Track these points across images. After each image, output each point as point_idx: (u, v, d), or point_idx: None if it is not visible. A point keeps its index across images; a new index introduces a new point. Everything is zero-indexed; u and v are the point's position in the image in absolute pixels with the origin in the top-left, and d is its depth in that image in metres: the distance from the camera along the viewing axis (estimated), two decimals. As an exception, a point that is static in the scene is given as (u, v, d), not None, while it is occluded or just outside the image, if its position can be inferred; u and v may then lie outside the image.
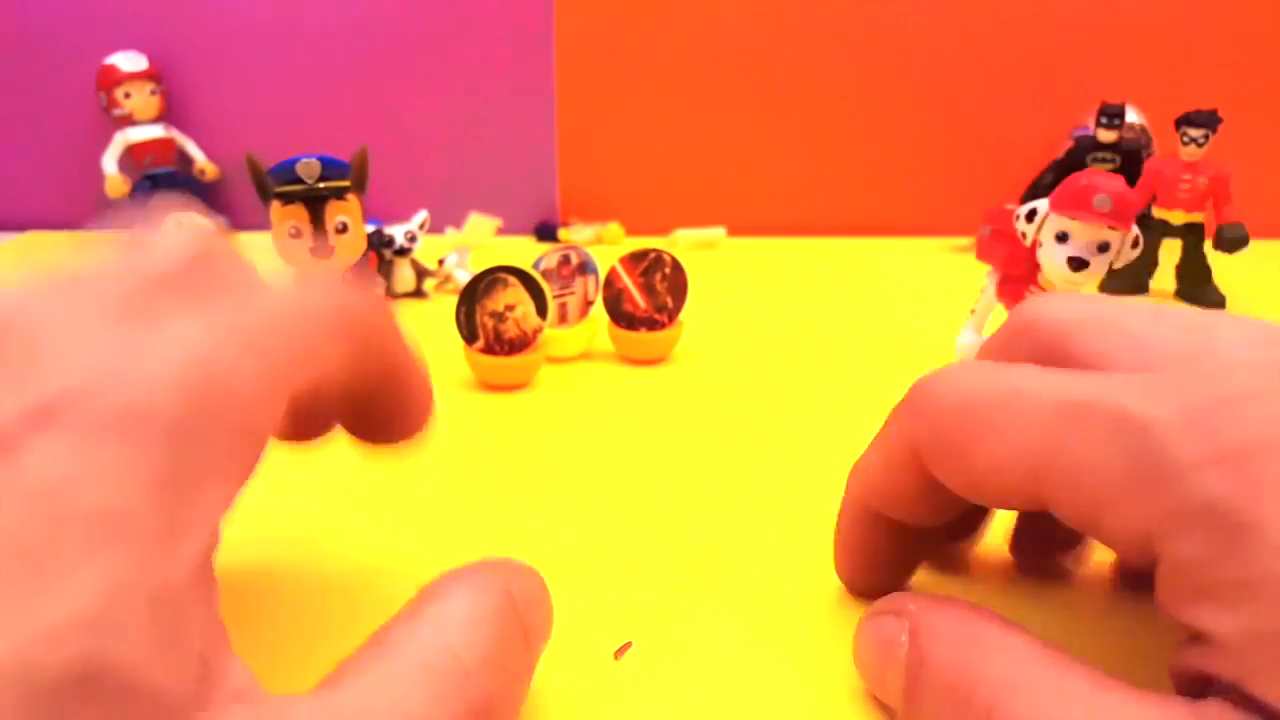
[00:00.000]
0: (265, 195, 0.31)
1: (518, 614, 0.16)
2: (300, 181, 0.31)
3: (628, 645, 0.20)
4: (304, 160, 0.31)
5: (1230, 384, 0.14)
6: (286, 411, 0.15)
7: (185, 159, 0.61)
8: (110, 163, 0.59)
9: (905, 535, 0.20)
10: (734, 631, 0.20)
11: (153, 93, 0.59)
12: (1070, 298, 0.18)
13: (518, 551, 0.23)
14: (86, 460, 0.12)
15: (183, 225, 0.16)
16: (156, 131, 0.60)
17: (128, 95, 0.58)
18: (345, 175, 0.31)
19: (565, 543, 0.24)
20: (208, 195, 0.62)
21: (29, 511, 0.11)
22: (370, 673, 0.13)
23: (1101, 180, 0.30)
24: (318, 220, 0.31)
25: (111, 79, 0.58)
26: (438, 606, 0.15)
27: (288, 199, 0.31)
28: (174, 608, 0.11)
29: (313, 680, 0.14)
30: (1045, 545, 0.22)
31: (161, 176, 0.60)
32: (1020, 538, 0.23)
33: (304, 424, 0.19)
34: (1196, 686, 0.14)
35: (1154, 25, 0.60)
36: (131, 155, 0.59)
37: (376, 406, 0.19)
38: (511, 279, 0.34)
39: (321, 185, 0.31)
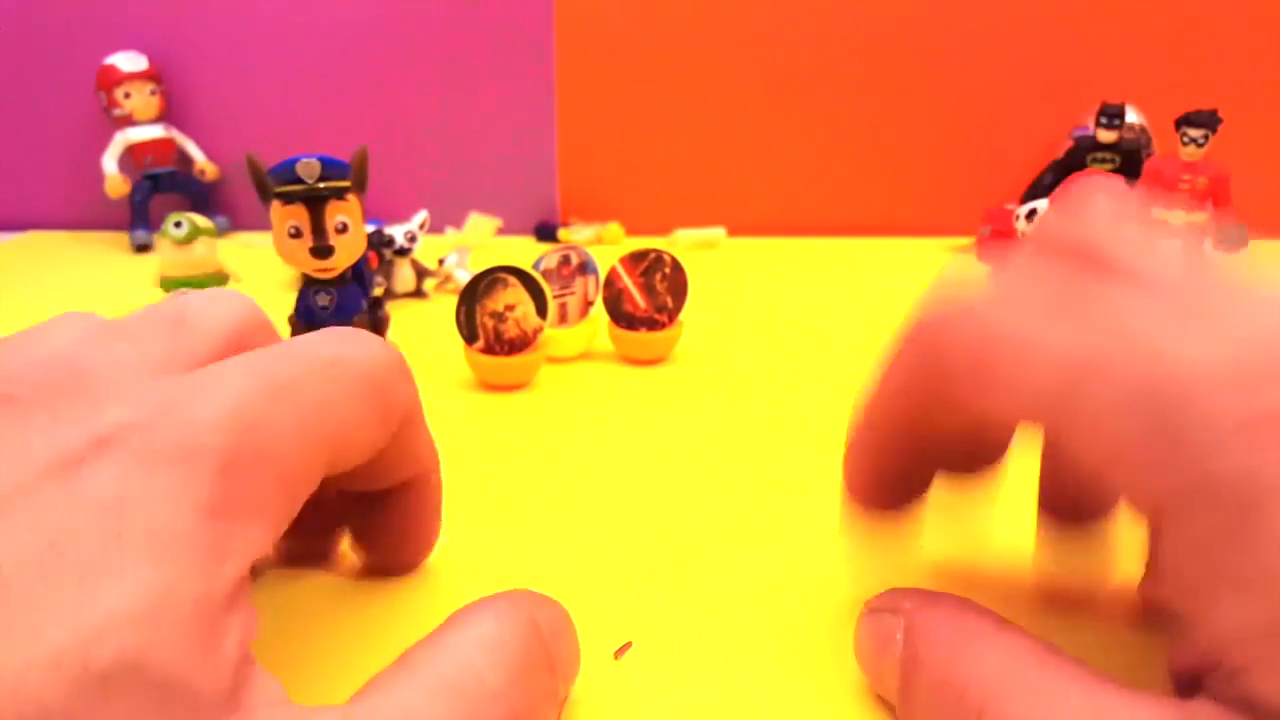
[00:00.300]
0: (265, 195, 0.31)
1: (543, 642, 0.16)
2: (300, 181, 0.31)
3: (628, 645, 0.20)
4: (304, 160, 0.30)
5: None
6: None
7: (185, 159, 0.61)
8: (110, 163, 0.59)
9: (918, 451, 0.19)
10: (734, 631, 0.20)
11: (152, 93, 0.59)
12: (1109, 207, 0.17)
13: (517, 551, 0.24)
14: (143, 483, 0.13)
15: (220, 299, 0.17)
16: (156, 131, 0.60)
17: (128, 95, 0.58)
18: (345, 175, 0.31)
19: (565, 542, 0.24)
20: (208, 195, 0.62)
21: (89, 522, 0.12)
22: (396, 689, 0.14)
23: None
24: (318, 220, 0.31)
25: (111, 79, 0.58)
26: (463, 630, 0.15)
27: (288, 199, 0.31)
28: (213, 619, 0.13)
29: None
30: (1072, 506, 0.21)
31: (162, 176, 0.60)
32: (1047, 497, 0.21)
33: (325, 508, 0.20)
34: (1189, 683, 0.14)
35: (1154, 25, 0.60)
36: (131, 155, 0.59)
37: (393, 502, 0.20)
38: (511, 279, 0.34)
39: (322, 185, 0.31)
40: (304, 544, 0.22)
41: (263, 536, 0.14)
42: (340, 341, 0.17)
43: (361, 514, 0.21)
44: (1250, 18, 0.60)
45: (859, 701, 0.18)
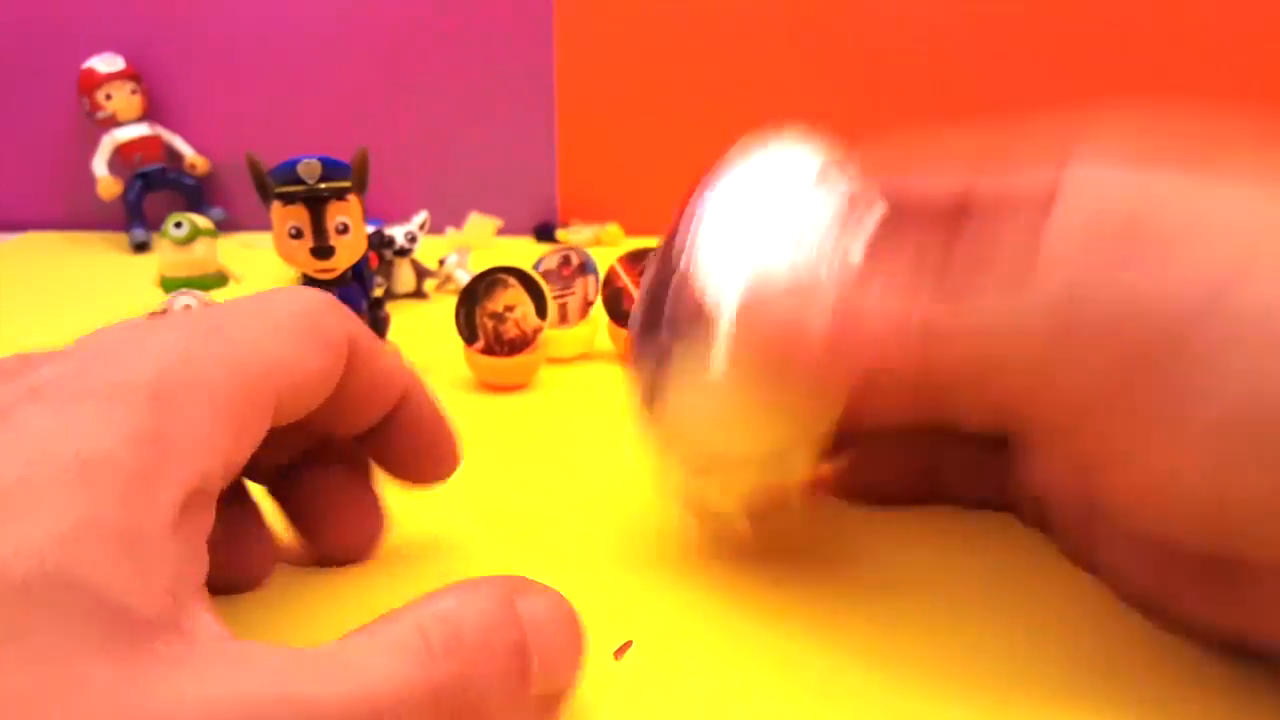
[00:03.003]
0: (266, 196, 0.31)
1: (515, 624, 0.15)
2: (301, 182, 0.31)
3: (628, 645, 0.20)
4: (305, 161, 0.31)
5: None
6: (281, 417, 0.17)
7: (174, 155, 0.61)
8: (100, 165, 0.59)
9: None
10: (734, 631, 0.20)
11: (133, 92, 0.59)
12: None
13: (517, 551, 0.24)
14: (68, 418, 0.13)
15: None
16: (142, 130, 0.59)
17: (109, 97, 0.58)
18: (346, 176, 0.31)
19: (565, 542, 0.24)
20: (201, 189, 0.62)
21: (14, 455, 0.13)
22: (346, 641, 0.14)
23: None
24: (318, 220, 0.31)
25: (91, 82, 0.58)
26: (428, 600, 0.15)
27: (288, 199, 0.31)
28: (145, 546, 0.13)
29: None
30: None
31: (152, 174, 0.60)
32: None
33: (295, 435, 0.19)
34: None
35: (1159, 35, 0.61)
36: (120, 155, 0.59)
37: (396, 430, 0.21)
38: (511, 280, 0.34)
39: (322, 186, 0.31)
40: (340, 538, 0.22)
41: (203, 467, 0.14)
42: (265, 293, 0.18)
43: (380, 456, 0.21)
44: (1253, 33, 0.60)
45: (860, 700, 0.18)
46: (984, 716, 0.18)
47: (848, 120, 0.63)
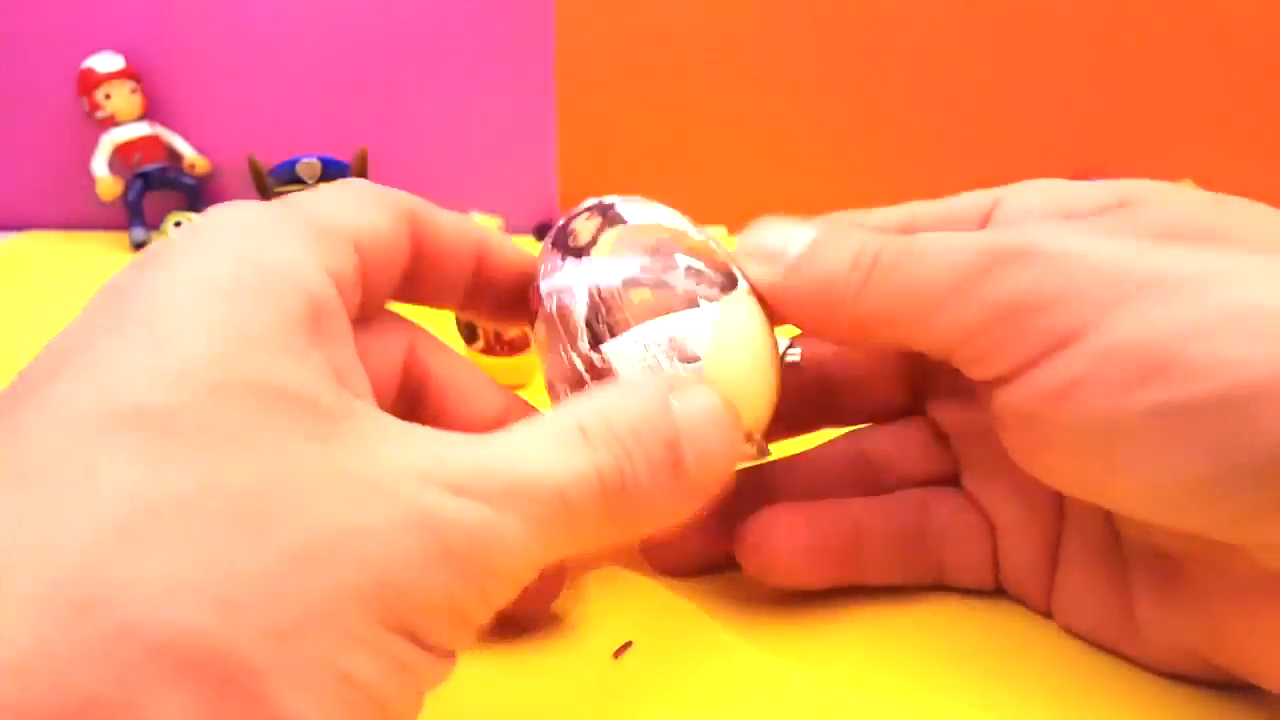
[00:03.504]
0: (265, 195, 0.31)
1: (669, 420, 0.16)
2: (301, 182, 0.31)
3: (628, 645, 0.20)
4: (305, 161, 0.31)
5: None
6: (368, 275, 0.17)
7: (174, 154, 0.61)
8: (100, 165, 0.59)
9: None
10: (733, 631, 0.20)
11: (133, 91, 0.59)
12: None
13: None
14: (180, 265, 0.14)
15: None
16: (142, 129, 0.59)
17: (108, 96, 0.58)
18: (345, 175, 0.31)
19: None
20: (201, 189, 0.62)
21: (147, 292, 0.14)
22: (507, 434, 0.15)
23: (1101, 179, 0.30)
24: (318, 220, 0.31)
25: (91, 82, 0.58)
26: (589, 395, 0.16)
27: (288, 199, 0.31)
28: (297, 345, 0.14)
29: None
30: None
31: (152, 173, 0.59)
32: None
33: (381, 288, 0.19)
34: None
35: (1164, 49, 0.60)
36: (120, 155, 0.59)
37: (484, 286, 0.21)
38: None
39: (322, 185, 0.31)
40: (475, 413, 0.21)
41: (306, 278, 0.15)
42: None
43: (487, 312, 0.22)
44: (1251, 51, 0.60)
45: (860, 699, 0.18)
46: (982, 712, 0.18)
47: (847, 119, 0.63)
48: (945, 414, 0.23)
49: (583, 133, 0.63)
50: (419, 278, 0.20)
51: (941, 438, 0.23)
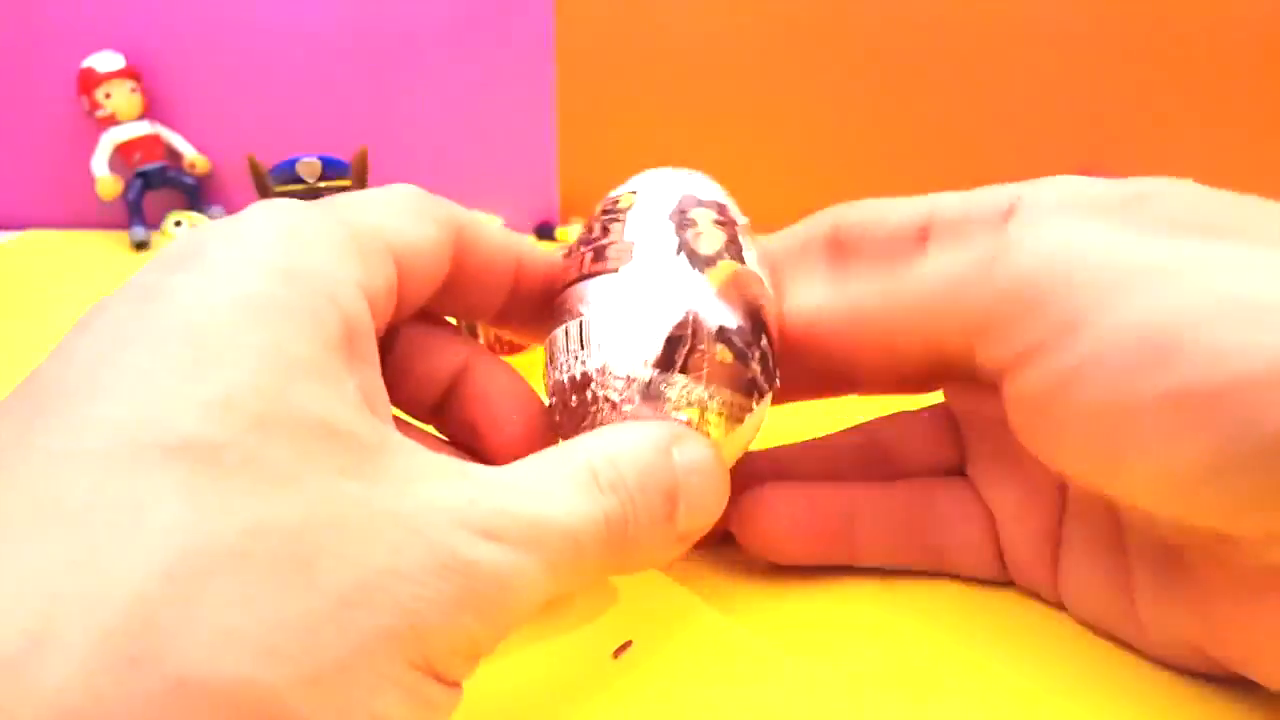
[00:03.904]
0: (265, 195, 0.31)
1: (670, 471, 0.17)
2: (301, 181, 0.31)
3: (628, 644, 0.20)
4: (304, 160, 0.31)
5: None
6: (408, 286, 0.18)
7: (174, 154, 0.61)
8: (100, 164, 0.59)
9: None
10: (733, 630, 0.20)
11: (133, 90, 0.59)
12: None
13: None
14: (215, 273, 0.14)
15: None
16: (142, 128, 0.59)
17: (108, 96, 0.58)
18: (345, 175, 0.31)
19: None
20: (201, 188, 0.62)
21: (181, 310, 0.13)
22: (525, 469, 0.16)
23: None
24: (318, 220, 0.31)
25: (91, 81, 0.58)
26: (596, 436, 0.17)
27: (288, 198, 0.31)
28: (335, 374, 0.14)
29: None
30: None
31: (153, 173, 0.59)
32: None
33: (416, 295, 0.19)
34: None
35: (1166, 53, 0.61)
36: (120, 154, 0.59)
37: (520, 301, 0.21)
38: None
39: (322, 184, 0.31)
40: (511, 437, 0.21)
41: (342, 295, 0.15)
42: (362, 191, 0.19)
43: (523, 330, 0.23)
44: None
45: (860, 699, 0.18)
46: (982, 709, 0.18)
47: (848, 117, 0.63)
48: (960, 398, 0.23)
49: (583, 133, 0.63)
50: (457, 291, 0.20)
51: (952, 428, 0.24)
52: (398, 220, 0.17)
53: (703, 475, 0.17)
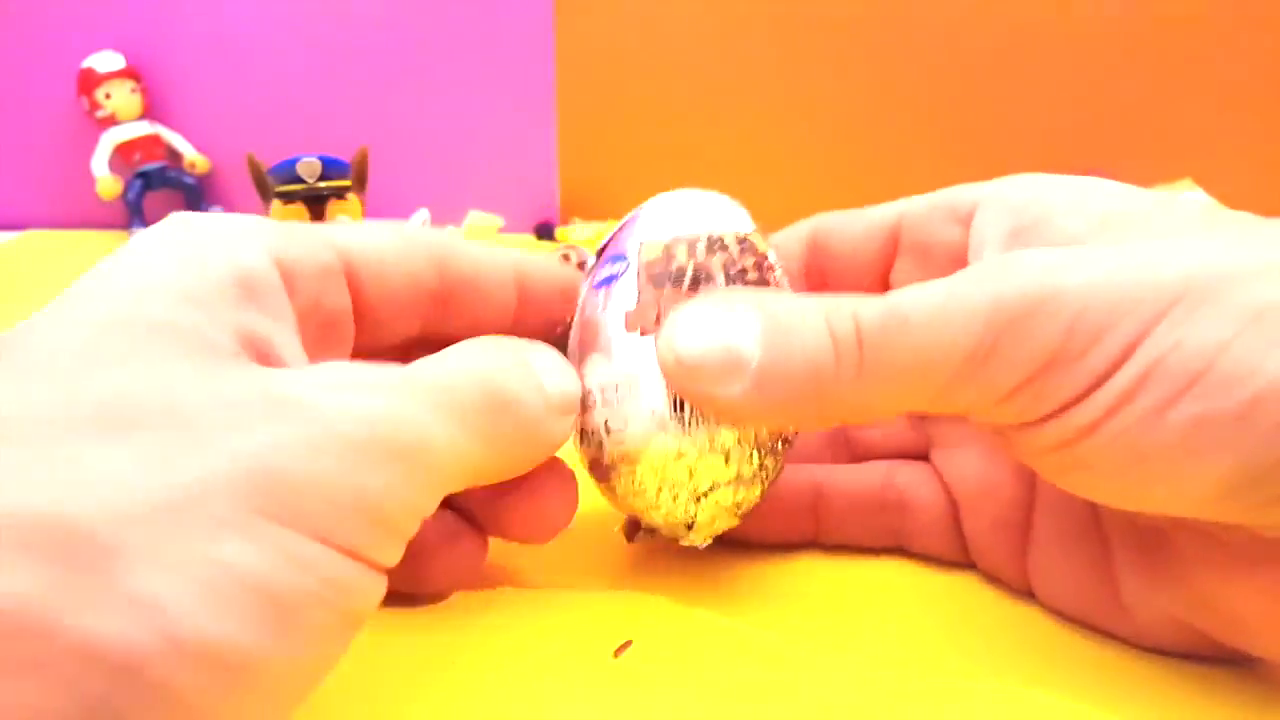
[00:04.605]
0: (265, 194, 0.31)
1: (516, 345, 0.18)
2: (301, 180, 0.31)
3: (628, 644, 0.20)
4: (304, 159, 0.31)
5: None
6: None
7: (174, 154, 0.61)
8: (100, 165, 0.59)
9: None
10: (733, 630, 0.20)
11: (133, 90, 0.59)
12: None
13: (517, 549, 0.24)
14: (121, 257, 0.16)
15: None
16: (142, 128, 0.59)
17: (108, 96, 0.58)
18: (346, 174, 0.31)
19: (565, 541, 0.24)
20: (201, 188, 0.62)
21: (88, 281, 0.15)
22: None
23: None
24: (318, 219, 0.31)
25: (91, 82, 0.58)
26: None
27: (288, 198, 0.31)
28: (207, 303, 0.15)
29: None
30: None
31: (153, 173, 0.59)
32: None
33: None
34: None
35: (1167, 60, 0.60)
36: (120, 154, 0.59)
37: (529, 307, 0.22)
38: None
39: (322, 184, 0.31)
40: (532, 514, 0.21)
41: (242, 250, 0.16)
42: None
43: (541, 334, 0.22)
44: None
45: (861, 699, 0.18)
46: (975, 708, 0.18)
47: (851, 121, 0.63)
48: None
49: (583, 133, 0.63)
50: (457, 305, 0.20)
51: (915, 414, 0.24)
52: (352, 229, 0.19)
53: (550, 352, 0.18)
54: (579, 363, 0.20)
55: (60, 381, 0.13)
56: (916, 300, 0.17)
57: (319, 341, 0.18)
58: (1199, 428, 0.15)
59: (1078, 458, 0.17)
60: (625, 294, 0.20)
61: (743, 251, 0.20)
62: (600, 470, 0.20)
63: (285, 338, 0.16)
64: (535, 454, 0.18)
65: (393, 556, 0.14)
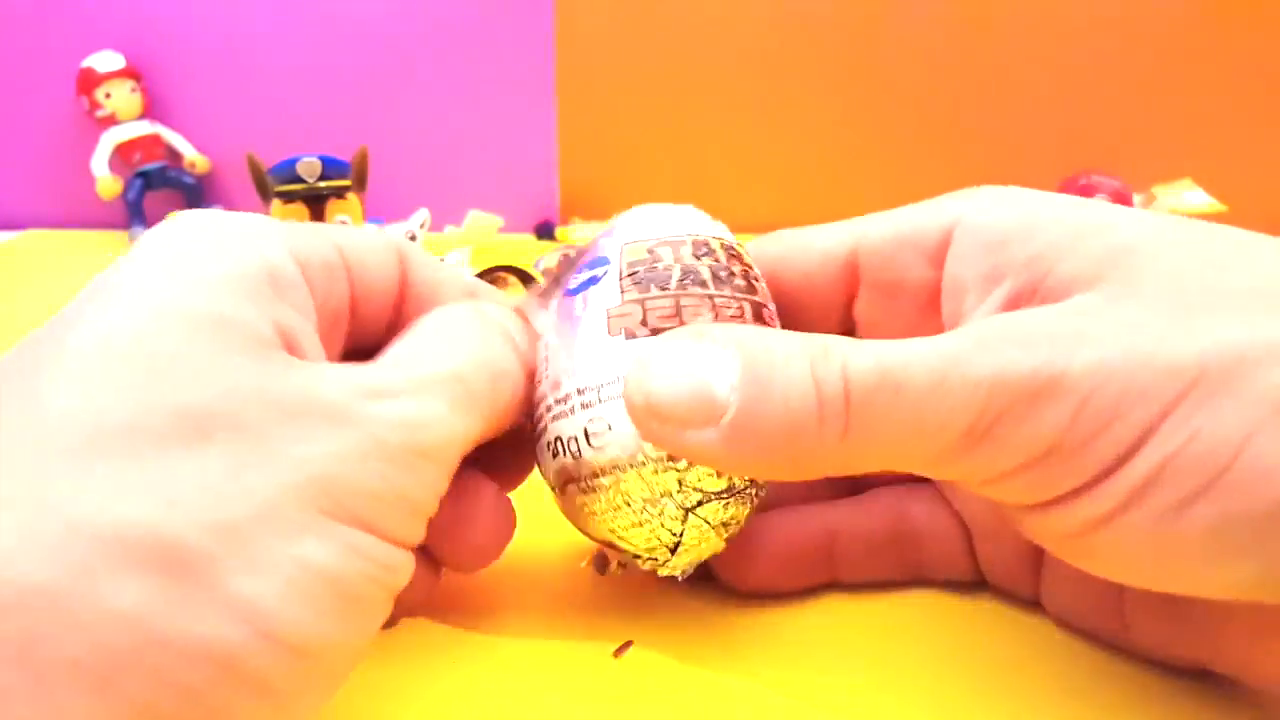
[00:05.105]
0: (265, 194, 0.31)
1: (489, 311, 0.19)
2: (301, 180, 0.31)
3: (628, 644, 0.20)
4: (304, 159, 0.31)
5: None
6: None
7: (174, 153, 0.61)
8: (100, 164, 0.59)
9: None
10: (733, 630, 0.20)
11: (133, 90, 0.59)
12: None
13: (517, 548, 0.23)
14: (145, 255, 0.16)
15: None
16: (142, 128, 0.59)
17: (108, 95, 0.58)
18: (345, 174, 0.31)
19: (565, 541, 0.24)
20: (201, 188, 0.62)
21: (124, 279, 0.16)
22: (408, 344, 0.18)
23: (1100, 180, 0.30)
24: (318, 218, 0.31)
25: (91, 81, 0.58)
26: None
27: (288, 198, 0.31)
28: (250, 292, 0.15)
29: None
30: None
31: (153, 172, 0.59)
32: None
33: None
34: None
35: (1163, 60, 0.60)
36: (120, 154, 0.59)
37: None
38: (511, 278, 0.34)
39: (322, 184, 0.31)
40: (470, 539, 0.21)
41: (266, 250, 0.16)
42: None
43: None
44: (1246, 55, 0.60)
45: (859, 699, 0.18)
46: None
47: (850, 120, 0.63)
48: None
49: (583, 133, 0.63)
50: (412, 305, 0.20)
51: None
52: (344, 230, 0.19)
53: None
54: (548, 372, 0.19)
55: (126, 386, 0.13)
56: (910, 363, 0.15)
57: (326, 335, 0.18)
58: (1221, 531, 0.14)
59: (1087, 546, 0.16)
60: (606, 296, 0.19)
61: (730, 257, 0.20)
62: (575, 485, 0.19)
63: (308, 332, 0.16)
64: (520, 415, 0.19)
65: (420, 535, 0.16)
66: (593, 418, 0.18)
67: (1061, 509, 0.16)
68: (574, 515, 0.20)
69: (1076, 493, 0.15)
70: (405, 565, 0.15)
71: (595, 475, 0.18)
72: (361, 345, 0.19)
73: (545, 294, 0.20)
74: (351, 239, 0.19)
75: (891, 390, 0.15)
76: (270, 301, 0.15)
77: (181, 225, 0.16)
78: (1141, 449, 0.14)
